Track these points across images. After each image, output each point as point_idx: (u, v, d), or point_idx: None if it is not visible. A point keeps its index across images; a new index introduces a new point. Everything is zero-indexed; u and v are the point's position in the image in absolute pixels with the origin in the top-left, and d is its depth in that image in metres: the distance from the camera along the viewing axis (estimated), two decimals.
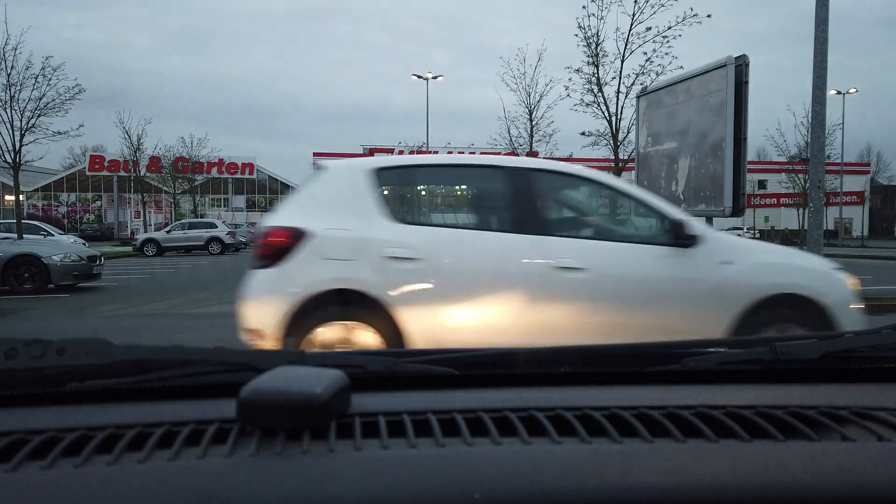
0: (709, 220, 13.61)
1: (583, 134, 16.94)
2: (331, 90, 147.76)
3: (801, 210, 31.84)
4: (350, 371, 0.86)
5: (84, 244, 22.65)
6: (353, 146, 55.24)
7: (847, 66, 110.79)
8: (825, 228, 10.82)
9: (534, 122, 23.48)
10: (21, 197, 45.73)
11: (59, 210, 50.40)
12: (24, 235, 20.18)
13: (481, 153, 51.86)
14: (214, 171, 47.25)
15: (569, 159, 26.53)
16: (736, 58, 12.45)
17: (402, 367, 0.99)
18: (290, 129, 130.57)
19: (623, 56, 16.10)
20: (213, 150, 41.74)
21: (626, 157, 16.96)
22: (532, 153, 24.69)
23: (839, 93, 44.02)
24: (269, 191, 53.96)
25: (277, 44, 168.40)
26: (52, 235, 25.04)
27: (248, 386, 0.76)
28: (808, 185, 17.86)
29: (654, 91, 15.14)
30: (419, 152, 46.79)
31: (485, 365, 1.06)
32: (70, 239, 25.70)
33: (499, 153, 49.61)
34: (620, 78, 16.25)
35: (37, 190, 50.09)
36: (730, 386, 0.99)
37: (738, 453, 0.72)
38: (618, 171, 16.97)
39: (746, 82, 12.37)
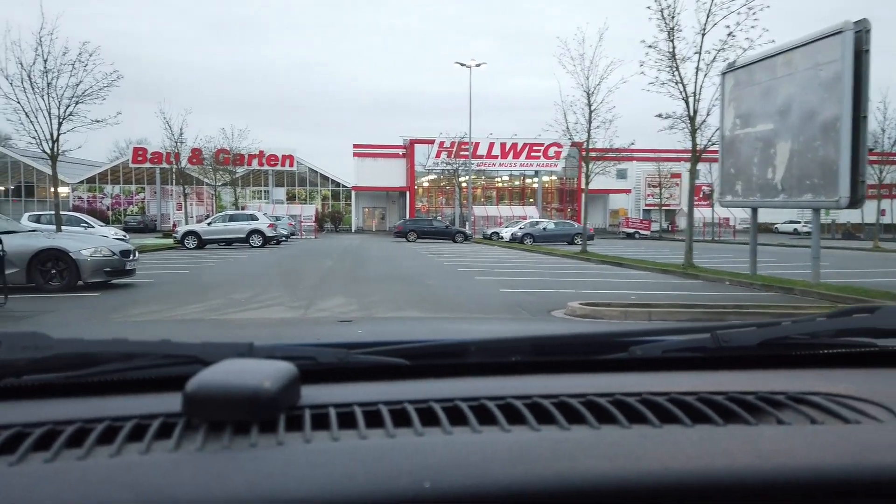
0: (816, 212, 11.95)
1: (659, 116, 15.24)
2: (370, 81, 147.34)
3: None
4: (300, 363, 0.84)
5: (125, 236, 22.05)
6: (394, 137, 54.18)
7: None
8: None
9: (592, 108, 21.73)
10: (67, 189, 46.25)
11: (104, 202, 50.64)
12: (64, 228, 19.58)
13: (524, 143, 50.31)
14: (255, 163, 46.67)
15: (628, 150, 24.67)
16: (854, 23, 10.63)
17: (354, 358, 0.97)
18: (330, 120, 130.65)
19: (704, 29, 14.42)
20: (254, 142, 41.16)
21: (705, 143, 15.21)
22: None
23: None
24: (309, 183, 53.30)
25: (318, 33, 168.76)
26: (93, 227, 24.55)
27: (194, 379, 0.73)
28: None
29: (744, 66, 13.35)
30: (461, 143, 45.43)
31: (436, 355, 1.04)
32: (112, 231, 25.22)
33: (541, 143, 47.89)
34: (701, 54, 14.57)
35: (82, 182, 50.46)
36: (674, 373, 1.00)
37: (680, 438, 0.73)
38: (695, 159, 15.30)
39: (867, 51, 10.47)
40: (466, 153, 43.51)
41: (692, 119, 15.01)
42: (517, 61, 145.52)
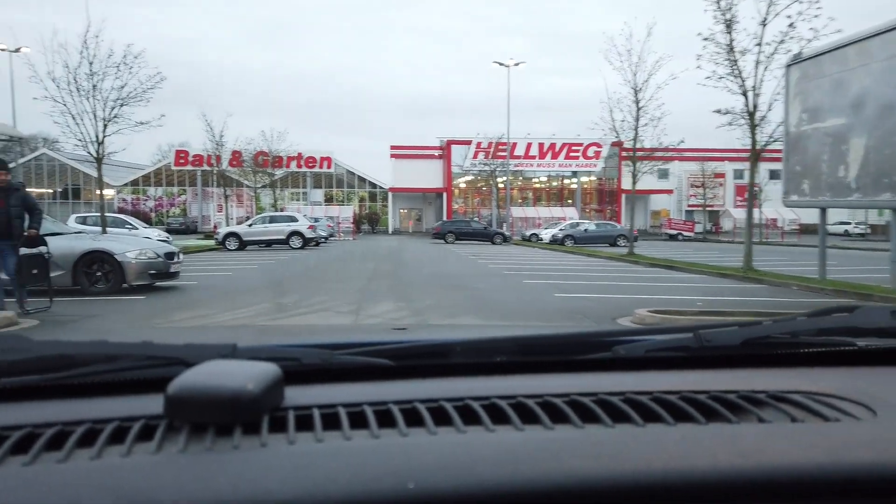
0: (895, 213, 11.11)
1: (717, 112, 14.50)
2: (407, 82, 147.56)
3: None
4: (284, 364, 0.83)
5: (168, 238, 22.15)
6: (430, 139, 53.85)
7: None
8: None
9: (640, 105, 20.99)
10: (112, 191, 47.13)
11: (147, 204, 51.54)
12: (109, 229, 19.72)
13: (563, 143, 49.45)
14: (294, 165, 46.93)
15: (676, 149, 23.80)
16: None
17: (338, 359, 0.96)
18: (367, 122, 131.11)
19: (765, 19, 13.66)
20: (292, 144, 41.33)
21: (766, 140, 14.40)
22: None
23: None
24: (347, 185, 53.40)
25: (356, 36, 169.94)
26: (137, 229, 24.78)
27: (176, 381, 0.73)
28: None
29: (811, 57, 12.57)
30: (499, 144, 44.83)
31: (421, 356, 1.03)
32: (155, 232, 25.43)
33: (579, 143, 46.96)
34: (761, 46, 13.81)
35: (126, 184, 51.46)
36: (657, 372, 1.00)
37: (663, 437, 0.73)
38: (755, 156, 14.52)
39: None
40: (504, 153, 42.97)
41: (751, 115, 14.25)
42: (552, 61, 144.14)
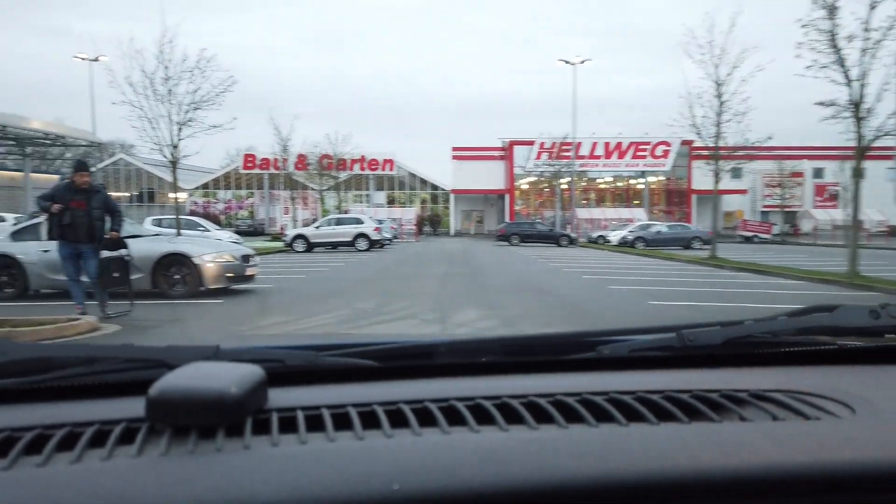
0: None
1: (820, 104, 13.35)
2: (468, 84, 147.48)
3: None
4: (267, 366, 0.83)
5: (239, 240, 22.38)
6: (492, 139, 53.13)
7: None
8: None
9: (723, 100, 19.78)
10: (185, 194, 48.64)
11: (217, 206, 52.93)
12: (182, 231, 20.03)
13: (630, 142, 47.95)
14: (357, 167, 47.20)
15: (759, 147, 22.30)
16: None
17: (322, 360, 0.96)
18: (428, 124, 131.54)
19: (874, 2, 12.49)
20: (355, 147, 41.57)
21: (874, 134, 13.17)
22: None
23: None
24: (409, 187, 53.40)
25: (416, 39, 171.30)
26: (209, 231, 25.18)
27: (158, 383, 0.73)
28: None
29: None
30: (563, 144, 43.81)
31: (406, 357, 1.03)
32: (226, 234, 25.81)
33: (647, 142, 45.38)
34: (868, 31, 12.63)
35: (198, 188, 53.00)
36: (640, 372, 1.00)
37: (646, 436, 0.74)
38: (861, 153, 13.31)
39: None
40: (568, 154, 41.93)
41: (857, 106, 13.06)
42: (618, 60, 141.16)
